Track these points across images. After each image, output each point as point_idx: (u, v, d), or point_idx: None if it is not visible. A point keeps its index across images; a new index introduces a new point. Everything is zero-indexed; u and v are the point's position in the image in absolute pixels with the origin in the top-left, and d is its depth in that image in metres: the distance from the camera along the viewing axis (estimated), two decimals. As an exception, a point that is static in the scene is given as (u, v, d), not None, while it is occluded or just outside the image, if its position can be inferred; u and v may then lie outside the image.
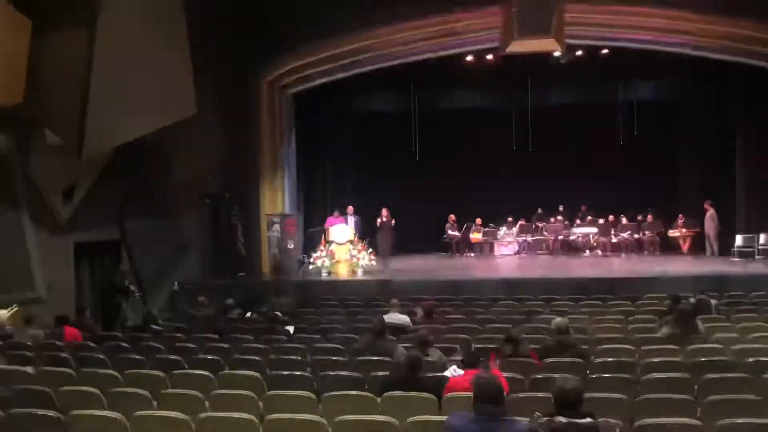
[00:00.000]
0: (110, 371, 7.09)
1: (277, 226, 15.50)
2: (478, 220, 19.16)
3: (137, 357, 7.76)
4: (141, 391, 6.17)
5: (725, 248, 17.38)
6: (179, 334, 9.29)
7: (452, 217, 19.14)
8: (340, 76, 16.29)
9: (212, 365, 7.31)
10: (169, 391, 6.35)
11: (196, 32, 12.14)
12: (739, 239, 16.96)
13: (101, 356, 7.84)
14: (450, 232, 19.16)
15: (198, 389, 6.24)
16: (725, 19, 14.63)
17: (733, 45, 15.05)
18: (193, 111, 11.84)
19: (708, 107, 19.39)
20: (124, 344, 8.62)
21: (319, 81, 16.32)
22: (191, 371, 7.11)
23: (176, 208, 13.88)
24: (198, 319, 10.00)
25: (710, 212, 18.04)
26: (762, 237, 16.44)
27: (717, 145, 18.99)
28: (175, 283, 12.88)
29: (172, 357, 7.70)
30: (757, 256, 16.20)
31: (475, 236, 19.10)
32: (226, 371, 7.11)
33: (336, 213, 16.40)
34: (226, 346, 8.36)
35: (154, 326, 9.66)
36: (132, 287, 12.13)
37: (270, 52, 15.54)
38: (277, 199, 16.14)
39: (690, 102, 19.81)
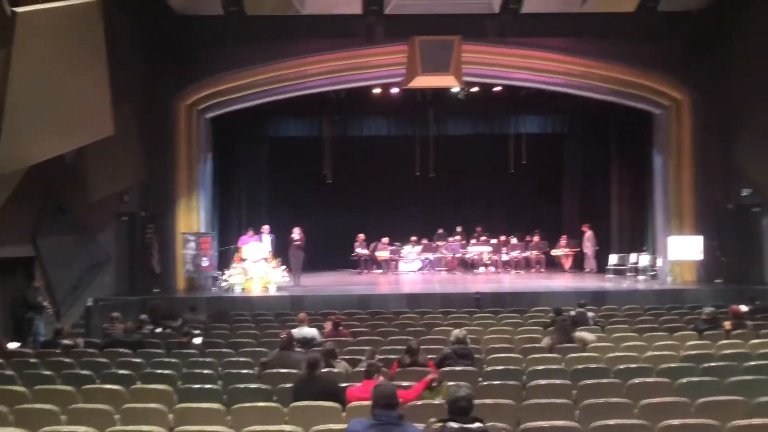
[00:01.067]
0: (18, 387, 6.65)
1: (192, 244, 15.10)
2: (385, 239, 19.25)
3: (47, 373, 7.32)
4: (49, 407, 5.81)
5: (602, 266, 18.22)
6: (91, 350, 8.84)
7: (361, 236, 19.18)
8: (255, 102, 16.10)
9: (123, 379, 6.99)
10: (79, 405, 6.02)
11: (117, 55, 11.72)
12: (613, 258, 17.78)
13: (9, 372, 7.34)
14: (358, 250, 19.18)
15: (108, 403, 5.94)
16: (602, 64, 15.47)
17: (609, 86, 15.91)
18: (110, 132, 11.39)
19: (588, 141, 20.40)
20: (34, 360, 8.12)
21: (235, 106, 16.08)
22: (102, 386, 6.77)
23: (92, 225, 13.29)
24: (111, 334, 9.55)
25: (588, 234, 18.90)
26: (633, 256, 17.29)
27: (595, 174, 20.00)
28: (90, 299, 12.27)
29: (83, 372, 7.32)
30: (628, 274, 17.02)
31: (382, 254, 19.18)
32: (138, 385, 6.81)
33: (250, 232, 16.12)
34: (138, 360, 8.01)
35: (66, 342, 9.14)
36: (45, 303, 11.47)
37: (188, 78, 15.23)
38: (193, 217, 15.72)
39: (572, 135, 20.73)
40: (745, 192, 14.87)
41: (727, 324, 9.47)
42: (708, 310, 9.89)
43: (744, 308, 10.05)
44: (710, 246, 15.18)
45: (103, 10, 11.05)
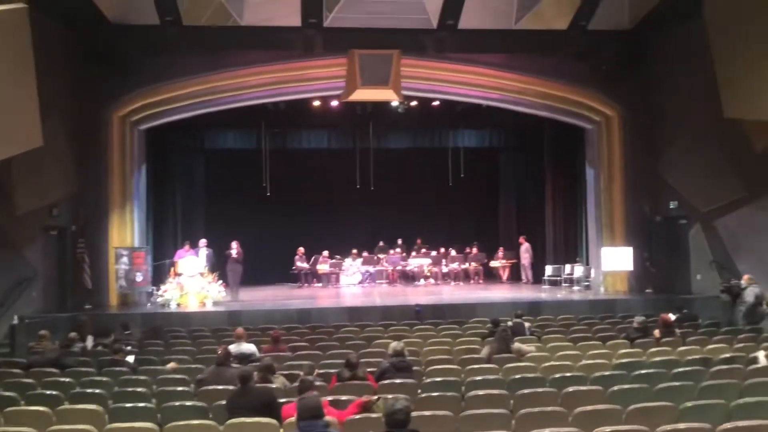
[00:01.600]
0: (-66, 412, 6.27)
1: (125, 259, 14.67)
2: (325, 253, 19.16)
3: (-34, 396, 6.93)
4: (-32, 432, 5.50)
5: (538, 277, 18.60)
6: (16, 370, 8.43)
7: (301, 249, 19.02)
8: (191, 114, 15.81)
9: (51, 400, 6.68)
10: (1, 429, 5.71)
11: (47, 64, 11.34)
12: (548, 269, 18.17)
13: (-75, 396, 6.91)
14: (299, 263, 19.01)
15: (33, 426, 5.66)
16: (535, 80, 15.86)
17: (542, 102, 16.30)
18: (38, 142, 10.99)
19: (523, 154, 20.92)
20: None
21: (170, 117, 15.75)
22: (26, 407, 6.45)
23: (19, 240, 12.73)
24: (38, 353, 9.13)
25: (525, 245, 19.28)
26: (567, 267, 17.71)
27: (531, 187, 20.47)
28: (15, 316, 11.71)
29: (7, 394, 6.96)
30: (563, 284, 17.42)
31: (322, 268, 19.07)
32: (65, 406, 6.52)
33: (186, 246, 15.78)
34: (66, 380, 7.68)
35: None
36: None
37: (122, 88, 14.84)
38: (126, 231, 15.27)
39: (508, 149, 21.21)
40: (672, 205, 15.45)
41: (657, 332, 9.79)
42: (639, 319, 10.21)
43: (672, 317, 10.40)
44: (640, 257, 15.69)
45: (31, 18, 10.69)
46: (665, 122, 15.55)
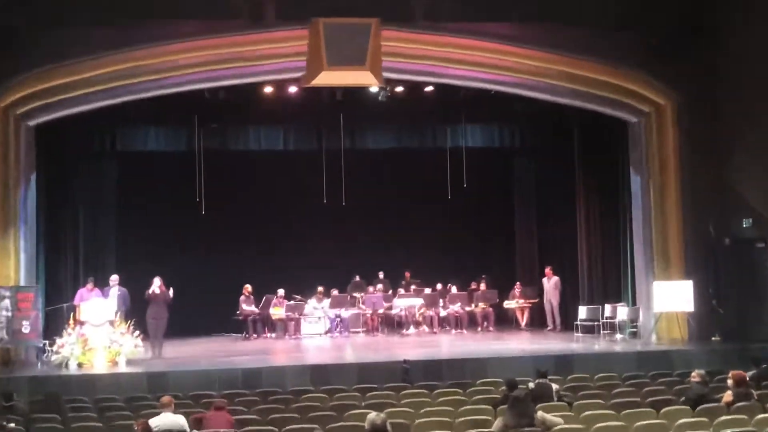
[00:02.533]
0: None
1: (7, 302, 14.47)
2: (281, 292, 19.06)
3: None
4: None
5: (568, 322, 18.62)
6: None
7: (247, 287, 18.89)
8: (100, 104, 15.74)
9: None
10: None
11: None
12: (582, 311, 18.17)
13: None
14: (244, 306, 18.89)
15: None
16: (563, 58, 15.95)
17: (572, 87, 16.41)
18: None
19: (546, 157, 20.98)
20: None
21: (71, 110, 15.65)
22: None
23: None
24: None
25: (552, 279, 19.32)
26: (607, 308, 17.70)
27: (557, 201, 20.54)
28: None
29: None
30: (602, 331, 17.43)
31: (277, 312, 18.96)
32: None
33: (91, 284, 15.63)
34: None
35: None
36: None
37: (5, 70, 14.74)
38: (9, 265, 15.09)
39: (526, 150, 21.31)
40: (745, 223, 15.57)
41: (728, 395, 9.80)
42: (701, 372, 10.23)
43: (747, 374, 10.41)
44: (704, 293, 15.76)
45: None
46: (735, 114, 15.72)
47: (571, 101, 16.91)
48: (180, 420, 9.01)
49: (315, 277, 19.84)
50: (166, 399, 9.37)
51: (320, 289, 19.64)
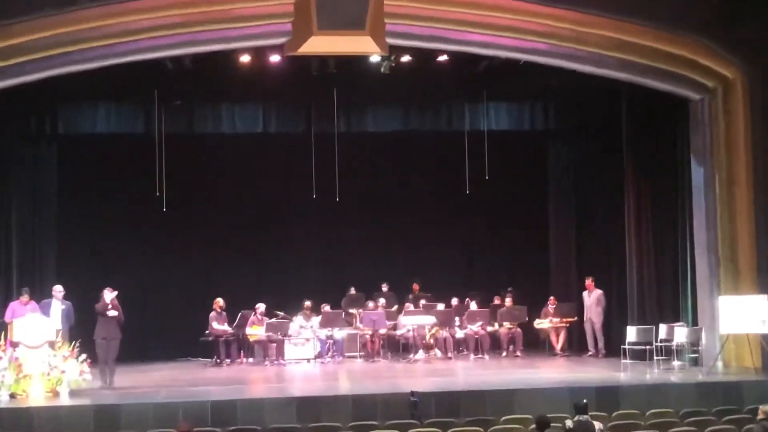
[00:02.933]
0: None
1: None
2: (260, 307, 19.05)
3: None
4: None
5: (614, 345, 18.56)
6: None
7: (218, 301, 18.86)
8: (37, 76, 15.72)
9: None
10: None
11: None
12: (631, 332, 18.05)
13: None
14: (215, 325, 18.87)
15: None
16: (609, 21, 15.92)
17: (619, 56, 16.38)
18: None
19: (586, 143, 20.96)
20: None
21: (3, 82, 15.64)
22: None
23: None
24: None
25: (596, 293, 19.24)
26: (662, 329, 17.62)
27: (599, 195, 20.51)
28: None
29: None
30: (656, 357, 17.37)
31: (255, 331, 18.95)
32: None
33: (25, 296, 15.61)
34: None
35: None
36: None
37: None
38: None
39: (561, 133, 21.31)
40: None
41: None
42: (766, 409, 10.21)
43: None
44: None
45: None
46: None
47: (618, 74, 16.85)
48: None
49: (302, 290, 19.90)
50: None
51: (308, 303, 19.65)
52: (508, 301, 19.82)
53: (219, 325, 18.88)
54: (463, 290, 20.21)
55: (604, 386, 14.37)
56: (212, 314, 18.87)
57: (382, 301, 19.85)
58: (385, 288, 20.29)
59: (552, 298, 20.08)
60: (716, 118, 16.63)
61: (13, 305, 15.67)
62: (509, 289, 20.13)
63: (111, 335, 15.59)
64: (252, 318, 18.97)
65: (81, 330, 15.82)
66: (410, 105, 20.22)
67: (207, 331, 18.95)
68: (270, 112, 20.07)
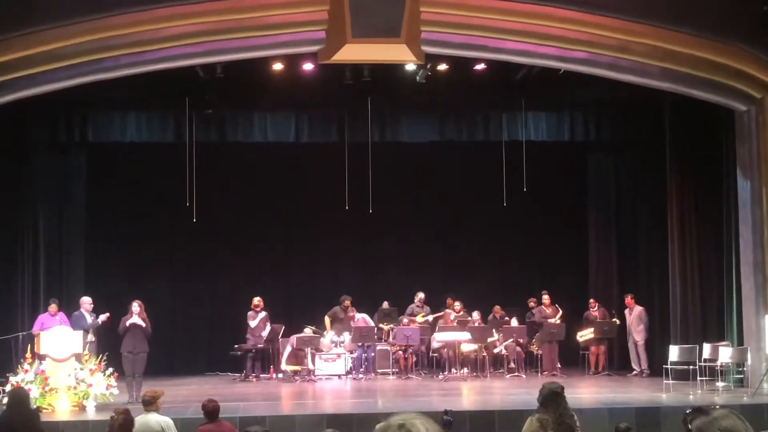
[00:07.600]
0: None
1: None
2: (286, 322, 19.07)
3: None
4: None
5: (656, 365, 18.43)
6: None
7: (255, 300, 18.81)
8: (65, 84, 15.85)
9: None
10: None
11: None
12: (674, 351, 17.91)
13: None
14: (251, 324, 18.80)
15: None
16: (652, 30, 15.81)
17: (663, 66, 16.29)
18: None
19: (628, 155, 20.89)
20: None
21: (31, 90, 15.78)
22: None
23: None
24: None
25: (637, 310, 19.14)
26: (706, 348, 17.47)
27: (642, 210, 20.40)
28: None
29: None
30: (700, 378, 17.21)
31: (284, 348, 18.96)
32: None
33: (53, 307, 15.72)
34: None
35: None
36: None
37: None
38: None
39: (602, 145, 21.17)
40: None
41: None
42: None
43: None
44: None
45: None
46: None
47: (661, 84, 16.76)
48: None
49: (333, 304, 19.83)
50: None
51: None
52: (545, 299, 19.84)
53: (253, 322, 18.71)
54: (500, 303, 20.11)
55: (644, 407, 14.34)
56: (249, 313, 18.87)
57: (418, 311, 19.85)
58: (418, 300, 20.23)
59: (592, 300, 20.02)
60: (763, 130, 16.49)
61: (42, 317, 15.81)
62: (543, 291, 20.11)
63: (138, 349, 15.70)
64: (282, 333, 18.99)
65: (108, 343, 15.91)
66: (446, 114, 20.18)
67: (236, 346, 19.00)
68: (302, 121, 20.08)
